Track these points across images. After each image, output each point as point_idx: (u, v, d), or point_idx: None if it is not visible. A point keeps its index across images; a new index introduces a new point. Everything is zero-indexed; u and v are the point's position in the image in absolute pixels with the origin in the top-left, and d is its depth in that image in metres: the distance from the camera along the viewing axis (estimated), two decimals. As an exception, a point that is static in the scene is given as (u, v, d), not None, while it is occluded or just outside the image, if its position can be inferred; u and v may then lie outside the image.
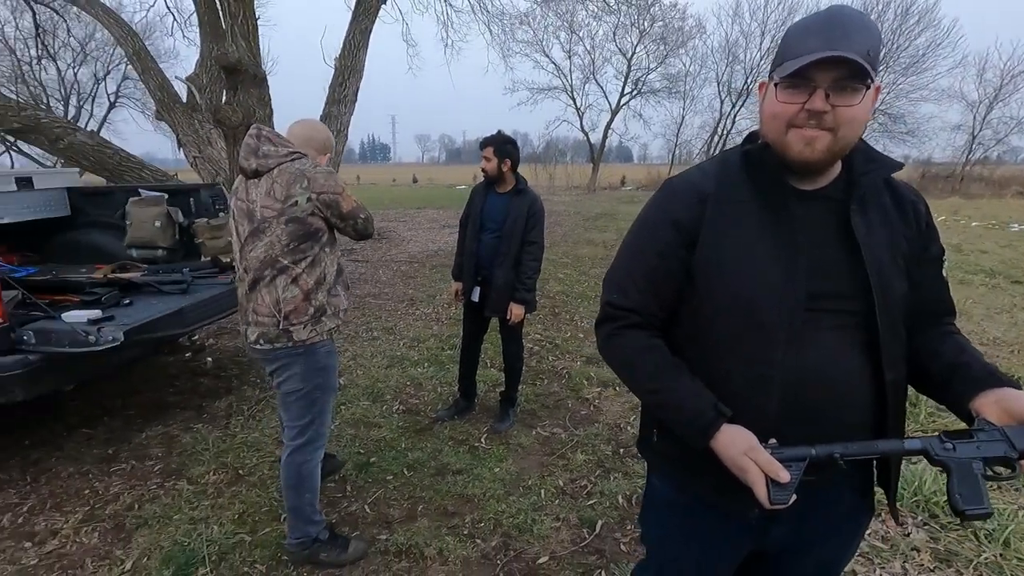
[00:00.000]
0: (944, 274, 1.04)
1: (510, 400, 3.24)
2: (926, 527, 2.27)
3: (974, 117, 23.89)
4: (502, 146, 2.84)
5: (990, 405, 0.86)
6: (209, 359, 4.18)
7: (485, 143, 2.88)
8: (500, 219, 2.90)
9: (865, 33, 0.85)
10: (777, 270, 0.93)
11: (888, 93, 22.58)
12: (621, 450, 2.93)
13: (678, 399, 0.97)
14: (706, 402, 0.95)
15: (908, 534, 2.24)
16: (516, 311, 2.91)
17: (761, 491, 0.85)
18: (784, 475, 0.85)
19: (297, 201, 1.81)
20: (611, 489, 2.56)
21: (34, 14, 9.51)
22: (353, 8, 7.44)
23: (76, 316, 2.43)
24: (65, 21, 13.11)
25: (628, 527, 2.32)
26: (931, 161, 25.51)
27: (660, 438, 1.11)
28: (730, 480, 0.99)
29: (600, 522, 2.35)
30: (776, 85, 0.89)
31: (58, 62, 19.72)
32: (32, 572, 2.07)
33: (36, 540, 2.25)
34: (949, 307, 1.06)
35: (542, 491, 2.56)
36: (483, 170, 2.91)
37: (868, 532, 2.25)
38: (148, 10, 12.37)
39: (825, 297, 0.92)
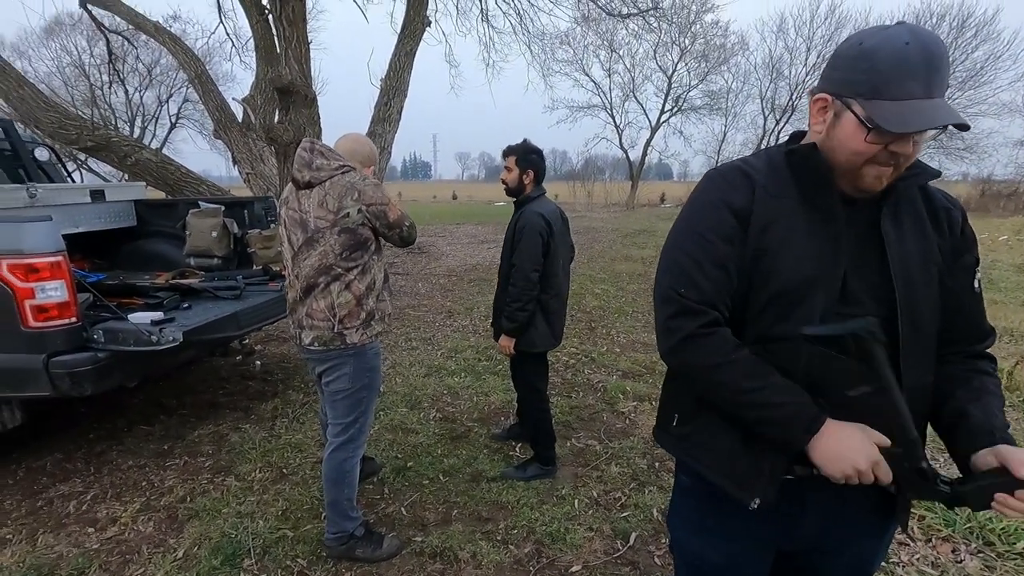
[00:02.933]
0: (976, 286, 1.01)
1: (536, 455, 2.81)
2: (980, 555, 2.16)
3: (1039, 132, 22.67)
4: (526, 155, 2.58)
5: (986, 459, 0.87)
6: (258, 363, 4.37)
7: (508, 151, 2.63)
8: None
9: (948, 67, 0.85)
10: (818, 267, 0.93)
11: (943, 108, 21.66)
12: (656, 464, 2.90)
13: (778, 396, 0.92)
14: (806, 398, 0.92)
15: (961, 561, 2.13)
16: (501, 341, 2.61)
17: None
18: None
19: (349, 213, 1.91)
20: (646, 502, 2.54)
21: (108, 42, 10.24)
22: (399, 31, 7.74)
23: (141, 317, 2.60)
24: (135, 48, 14.10)
25: (663, 540, 2.30)
26: (992, 179, 24.21)
27: (680, 423, 1.11)
28: (737, 471, 1.01)
29: (634, 534, 2.34)
30: (870, 130, 0.85)
31: (127, 86, 21.15)
32: (94, 555, 2.21)
33: (98, 526, 2.40)
34: (983, 329, 1.03)
35: (576, 501, 2.57)
36: (503, 181, 2.65)
37: (917, 557, 2.17)
38: (209, 36, 13.20)
39: (855, 300, 0.93)
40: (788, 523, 1.03)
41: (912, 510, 2.36)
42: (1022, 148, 23.28)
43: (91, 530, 2.37)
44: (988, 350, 1.05)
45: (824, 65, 0.96)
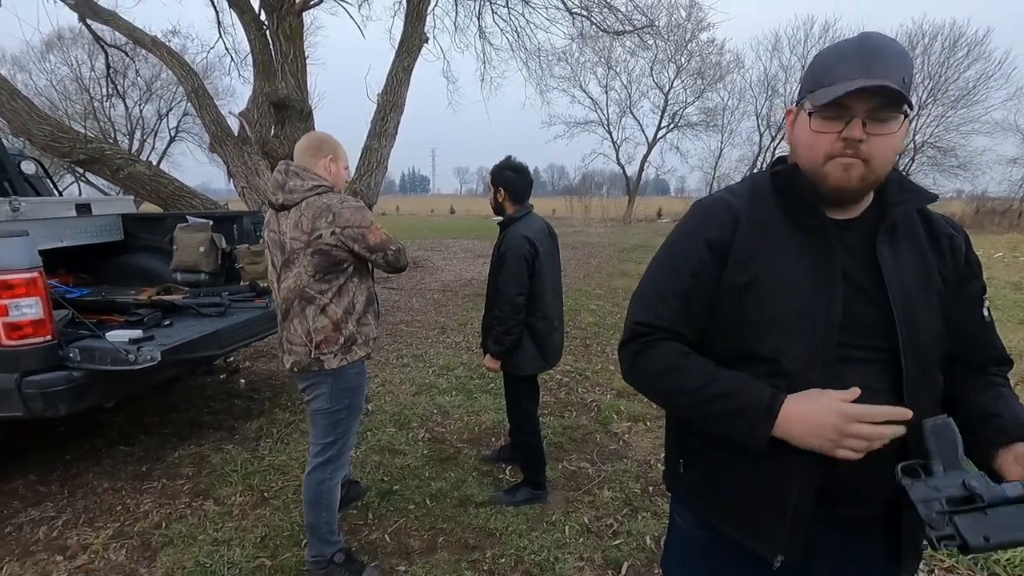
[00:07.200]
0: (986, 314, 0.96)
1: (526, 478, 2.72)
2: (986, 588, 2.08)
3: (1031, 150, 22.84)
4: (499, 172, 2.51)
5: (1010, 463, 0.80)
6: (243, 381, 4.28)
7: (491, 172, 2.58)
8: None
9: (900, 59, 0.82)
10: (811, 292, 0.88)
11: (937, 126, 21.88)
12: (650, 488, 2.81)
13: (730, 386, 0.89)
14: (759, 383, 0.88)
15: (965, 595, 2.05)
16: (486, 361, 2.59)
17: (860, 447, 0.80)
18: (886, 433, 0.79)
19: (321, 234, 1.86)
20: (639, 529, 2.45)
21: (107, 56, 10.28)
22: (397, 47, 7.77)
23: (118, 335, 2.52)
24: (134, 62, 14.17)
25: (656, 570, 2.21)
26: (986, 196, 24.33)
27: (687, 468, 1.05)
28: (756, 519, 0.94)
29: (626, 564, 2.25)
30: (810, 114, 0.85)
31: (126, 100, 21.23)
32: (60, 586, 2.11)
33: (67, 554, 2.30)
34: (998, 354, 0.97)
35: (566, 528, 2.48)
36: (490, 202, 2.61)
37: (920, 590, 2.08)
38: (208, 51, 13.28)
39: (854, 330, 0.88)
40: (797, 571, 0.96)
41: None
42: (1015, 166, 23.45)
43: (60, 558, 2.27)
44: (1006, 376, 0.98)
45: None
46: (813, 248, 0.90)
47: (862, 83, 0.79)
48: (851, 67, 0.81)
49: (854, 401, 0.81)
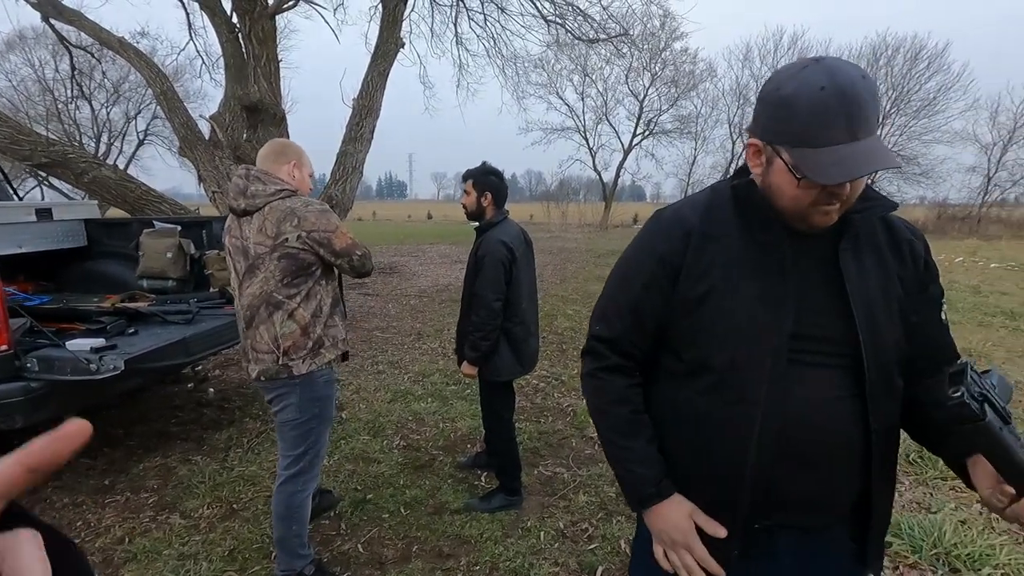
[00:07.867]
0: (943, 317, 0.99)
1: (501, 485, 2.73)
2: (947, 582, 2.14)
3: (988, 159, 23.83)
4: (482, 177, 2.53)
5: (983, 463, 0.81)
6: (212, 390, 4.18)
7: (466, 175, 2.58)
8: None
9: (874, 102, 0.80)
10: (762, 306, 0.90)
11: (900, 135, 22.69)
12: (625, 492, 2.83)
13: (632, 463, 1.02)
14: (656, 472, 1.00)
15: (928, 590, 2.11)
16: (464, 368, 2.57)
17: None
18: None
19: (287, 238, 1.83)
20: (613, 533, 2.47)
21: (72, 57, 10.00)
22: (372, 52, 7.73)
23: (79, 344, 2.44)
24: (101, 64, 13.83)
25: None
26: (947, 202, 25.33)
27: None
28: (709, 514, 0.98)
29: (600, 568, 2.25)
30: (799, 178, 0.82)
31: (92, 102, 20.62)
32: (15, 606, 2.02)
33: (23, 572, 2.21)
34: (951, 353, 1.00)
35: (541, 533, 2.48)
36: (463, 205, 2.60)
37: (885, 586, 2.13)
38: (178, 53, 13.02)
39: (812, 338, 0.90)
40: (760, 574, 0.98)
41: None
42: (973, 174, 24.45)
43: (15, 577, 2.18)
44: None
45: (754, 106, 0.93)
46: (767, 262, 0.92)
47: (865, 170, 0.78)
48: (837, 131, 0.78)
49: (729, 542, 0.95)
